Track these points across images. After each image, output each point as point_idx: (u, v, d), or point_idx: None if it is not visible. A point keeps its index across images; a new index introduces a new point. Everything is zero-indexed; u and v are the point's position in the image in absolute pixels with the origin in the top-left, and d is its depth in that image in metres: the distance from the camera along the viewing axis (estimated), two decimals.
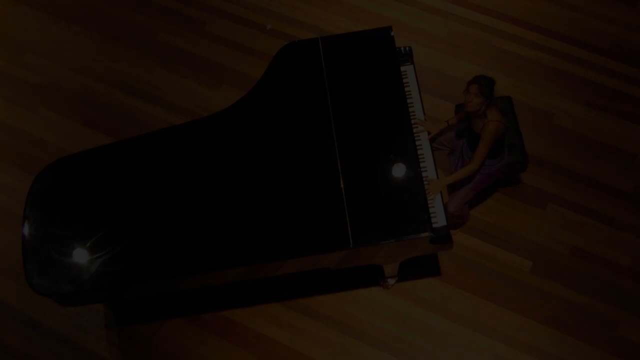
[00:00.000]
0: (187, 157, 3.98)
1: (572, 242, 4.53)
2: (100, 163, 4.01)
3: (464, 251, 4.52)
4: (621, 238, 4.53)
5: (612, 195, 4.67)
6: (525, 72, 5.19)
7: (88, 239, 3.76)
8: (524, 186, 4.73)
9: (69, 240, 3.76)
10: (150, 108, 5.20)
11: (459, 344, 4.24)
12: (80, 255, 3.72)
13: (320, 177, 3.83)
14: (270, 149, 3.93)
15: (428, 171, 3.95)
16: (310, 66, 4.12)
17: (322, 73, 4.08)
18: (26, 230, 3.80)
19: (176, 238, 3.75)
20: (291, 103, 4.05)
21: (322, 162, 3.85)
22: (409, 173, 3.80)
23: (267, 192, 3.81)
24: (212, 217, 3.79)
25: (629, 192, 4.68)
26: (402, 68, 4.25)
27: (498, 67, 5.21)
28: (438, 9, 5.54)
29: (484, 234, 4.57)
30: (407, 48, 4.33)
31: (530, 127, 4.91)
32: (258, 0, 5.67)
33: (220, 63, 5.39)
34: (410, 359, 4.21)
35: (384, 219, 3.69)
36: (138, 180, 3.93)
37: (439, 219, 3.76)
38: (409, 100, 4.14)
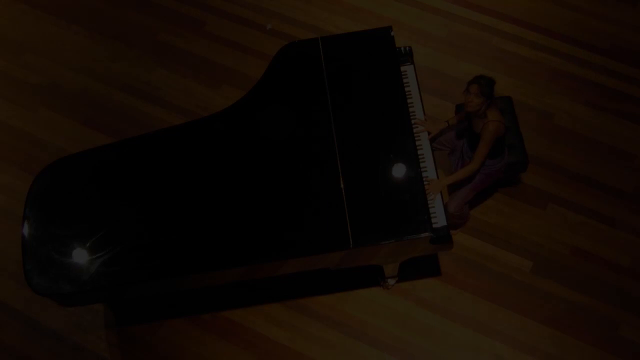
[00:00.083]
0: (187, 157, 3.98)
1: (572, 242, 4.53)
2: (100, 163, 4.01)
3: (464, 251, 4.52)
4: (621, 238, 4.53)
5: (612, 195, 4.67)
6: (526, 72, 5.19)
7: (88, 239, 3.75)
8: (524, 186, 4.73)
9: (69, 240, 3.76)
10: (150, 108, 5.20)
11: (459, 344, 4.24)
12: (80, 256, 3.72)
13: (320, 177, 3.82)
14: (270, 149, 3.92)
15: (428, 171, 3.95)
16: (310, 66, 4.12)
17: (322, 73, 4.08)
18: (26, 230, 3.80)
19: (176, 238, 3.75)
20: (291, 103, 4.05)
21: (322, 162, 3.85)
22: (409, 173, 3.80)
23: (267, 192, 3.81)
24: (212, 217, 3.79)
25: (629, 192, 4.68)
26: (402, 68, 4.24)
27: (498, 67, 5.21)
28: (438, 9, 5.54)
29: (484, 234, 4.57)
30: (407, 48, 4.33)
31: (530, 127, 4.90)
32: (258, 0, 5.67)
33: (220, 63, 5.39)
34: (410, 359, 4.21)
35: (384, 219, 3.68)
36: (138, 180, 3.93)
37: (439, 219, 3.76)
38: (409, 100, 4.14)
